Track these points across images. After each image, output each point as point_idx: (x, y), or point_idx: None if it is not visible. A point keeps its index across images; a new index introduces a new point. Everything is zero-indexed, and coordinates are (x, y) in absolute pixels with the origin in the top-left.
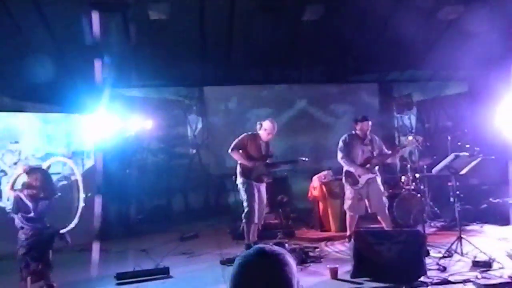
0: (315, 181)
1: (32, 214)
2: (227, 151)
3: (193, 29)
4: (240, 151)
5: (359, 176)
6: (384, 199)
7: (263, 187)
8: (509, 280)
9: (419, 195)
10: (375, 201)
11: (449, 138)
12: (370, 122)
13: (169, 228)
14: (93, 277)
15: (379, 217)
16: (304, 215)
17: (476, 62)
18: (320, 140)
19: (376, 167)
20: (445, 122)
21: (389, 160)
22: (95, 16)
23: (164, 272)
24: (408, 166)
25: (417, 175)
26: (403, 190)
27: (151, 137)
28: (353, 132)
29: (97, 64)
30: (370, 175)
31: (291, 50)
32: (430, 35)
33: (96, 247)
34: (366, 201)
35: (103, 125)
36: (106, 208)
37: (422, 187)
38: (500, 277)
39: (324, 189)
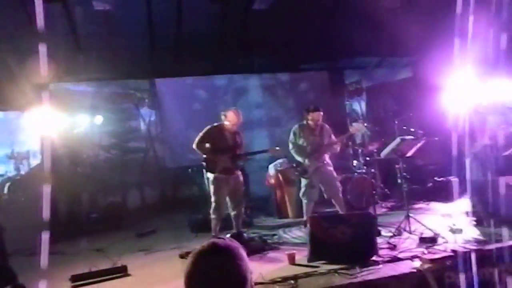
0: (271, 169)
1: None
2: (192, 146)
3: (140, 20)
4: (207, 144)
5: (308, 166)
6: (338, 184)
7: (234, 179)
8: (451, 253)
9: (370, 178)
10: (328, 187)
11: (396, 122)
12: (321, 112)
13: (125, 225)
14: (46, 281)
15: (333, 201)
16: (261, 204)
17: (420, 48)
18: (274, 128)
19: (326, 155)
20: (392, 107)
21: (338, 148)
22: (36, 7)
23: (121, 271)
24: (359, 150)
25: (368, 159)
26: (355, 174)
27: (102, 132)
28: (304, 122)
29: (40, 58)
30: (319, 164)
31: (241, 40)
32: (376, 23)
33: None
34: (320, 187)
35: (49, 121)
36: (57, 208)
37: (372, 170)
38: (444, 250)
39: (281, 177)
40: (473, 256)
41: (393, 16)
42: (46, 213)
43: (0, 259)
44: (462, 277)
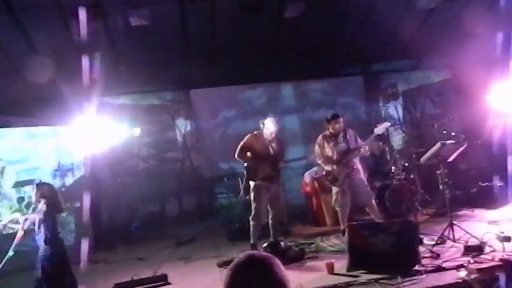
0: (307, 177)
1: None
2: (233, 155)
3: (175, 33)
4: (248, 153)
5: (338, 174)
6: (369, 190)
7: (275, 187)
8: (500, 263)
9: (409, 184)
10: (359, 194)
11: (435, 126)
12: (341, 119)
13: (164, 234)
14: None
15: (367, 209)
16: (298, 212)
17: (457, 49)
18: (311, 135)
19: (356, 161)
20: (431, 110)
21: (367, 152)
22: (76, 26)
23: (162, 279)
24: (398, 156)
25: (407, 165)
26: (394, 180)
27: (140, 143)
28: (326, 132)
29: (83, 73)
30: (348, 170)
31: (274, 48)
32: (411, 25)
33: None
34: (351, 194)
35: (91, 135)
36: (99, 218)
37: (412, 176)
38: (492, 260)
39: (316, 184)
40: None
41: (428, 17)
42: (86, 218)
43: (64, 267)
44: None
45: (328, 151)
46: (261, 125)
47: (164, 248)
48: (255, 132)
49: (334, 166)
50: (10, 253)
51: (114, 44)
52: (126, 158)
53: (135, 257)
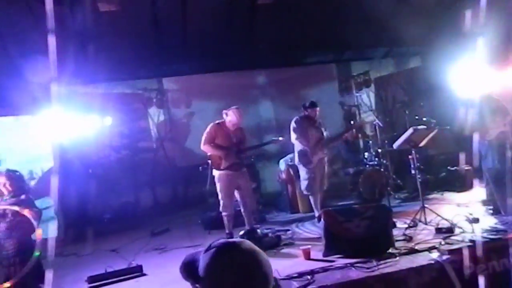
0: (282, 164)
1: None
2: (199, 146)
3: (146, 20)
4: (212, 144)
5: (312, 156)
6: (326, 178)
7: (242, 174)
8: (469, 244)
9: (382, 170)
10: (322, 180)
11: (406, 112)
12: (317, 108)
13: (139, 225)
14: (64, 283)
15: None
16: (274, 199)
17: (427, 38)
18: (286, 123)
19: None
20: (402, 97)
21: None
22: (47, 9)
23: (137, 271)
24: (370, 142)
25: (379, 151)
26: (367, 166)
27: (112, 133)
28: (303, 114)
29: (49, 61)
30: (321, 155)
31: (247, 35)
32: (383, 13)
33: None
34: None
35: (59, 125)
36: (69, 210)
37: (384, 161)
38: (462, 241)
39: (292, 172)
40: (491, 245)
41: (399, 6)
42: (54, 211)
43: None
44: (481, 267)
45: (306, 132)
46: (224, 115)
47: (138, 239)
48: (217, 122)
49: (311, 149)
50: (36, 253)
51: (82, 30)
52: (98, 149)
53: (108, 249)
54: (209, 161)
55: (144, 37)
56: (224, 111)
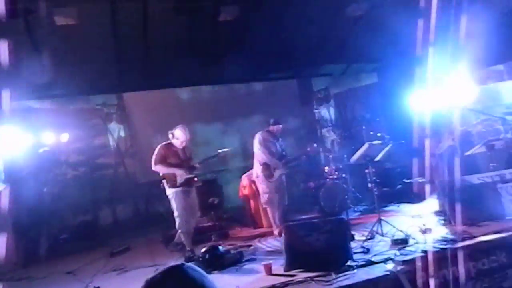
0: (245, 179)
1: None
2: (152, 168)
3: (106, 34)
4: (164, 163)
5: (274, 170)
6: (286, 193)
7: (192, 192)
8: (422, 254)
9: (342, 183)
10: (280, 194)
11: (364, 127)
12: (281, 126)
13: (97, 245)
14: None
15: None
16: (237, 215)
17: (383, 55)
18: (247, 138)
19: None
20: (360, 112)
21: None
22: None
23: None
24: (330, 156)
25: (339, 165)
26: (327, 180)
27: (69, 150)
28: (266, 130)
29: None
30: (282, 171)
31: (209, 51)
32: (341, 31)
33: None
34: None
35: (11, 141)
36: (23, 231)
37: (344, 175)
38: (415, 251)
39: (254, 186)
40: (442, 255)
41: (356, 24)
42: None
43: None
44: (433, 276)
45: (270, 146)
46: (171, 135)
47: (96, 260)
48: (164, 143)
49: (277, 163)
50: None
51: (38, 44)
52: (53, 166)
53: (64, 271)
54: (163, 180)
55: (103, 51)
56: (170, 132)
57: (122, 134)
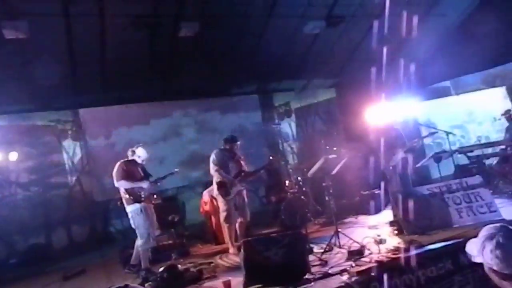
0: (206, 195)
1: None
2: (114, 184)
3: (60, 48)
4: (128, 179)
5: (231, 188)
6: (247, 210)
7: (152, 208)
8: (375, 264)
9: (302, 197)
10: (240, 210)
11: (322, 141)
12: (238, 143)
13: (50, 269)
14: None
15: (237, 225)
16: (198, 231)
17: (340, 71)
18: (207, 153)
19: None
20: (320, 127)
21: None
22: None
23: None
24: (291, 170)
25: (299, 179)
26: (288, 193)
27: (19, 169)
28: (223, 147)
29: None
30: (240, 187)
31: (169, 67)
32: (301, 48)
33: None
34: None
35: None
36: None
37: (304, 189)
38: (370, 262)
39: (215, 202)
40: (394, 264)
41: (315, 42)
42: None
43: None
44: (386, 285)
45: (225, 166)
46: (130, 153)
47: (49, 284)
48: (123, 160)
49: (232, 180)
50: None
51: None
52: (2, 186)
53: None
54: (127, 196)
55: (58, 66)
56: (131, 149)
57: (78, 151)
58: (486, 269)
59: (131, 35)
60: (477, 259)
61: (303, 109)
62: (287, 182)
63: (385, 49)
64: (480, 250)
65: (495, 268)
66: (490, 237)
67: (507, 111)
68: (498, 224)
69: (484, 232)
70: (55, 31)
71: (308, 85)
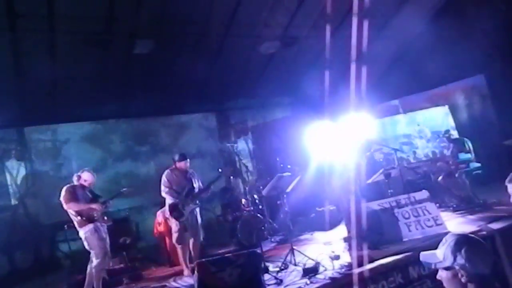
0: (160, 216)
1: None
2: (65, 208)
3: (5, 64)
4: (76, 201)
5: (184, 208)
6: (200, 229)
7: (105, 227)
8: (329, 281)
9: (258, 215)
10: (194, 231)
11: (278, 159)
12: (188, 160)
13: None
14: None
15: (191, 245)
16: (152, 253)
17: (295, 90)
18: (161, 172)
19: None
20: (277, 144)
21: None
22: None
23: None
24: (247, 188)
25: (255, 197)
26: (244, 212)
27: None
28: (174, 167)
29: None
30: (193, 206)
31: (123, 85)
32: (257, 67)
33: None
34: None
35: None
36: None
37: (261, 207)
38: (324, 278)
39: (169, 223)
40: (347, 280)
41: (270, 61)
42: None
43: None
44: None
45: (176, 186)
46: (76, 178)
47: None
48: (69, 185)
49: (182, 201)
50: None
51: None
52: None
53: None
54: (78, 218)
55: (2, 82)
56: (76, 174)
57: (23, 172)
58: (451, 273)
59: (83, 52)
60: (445, 264)
61: (260, 126)
62: (243, 200)
63: (338, 69)
64: (449, 255)
65: (463, 270)
66: (458, 243)
67: (446, 132)
68: (460, 233)
69: (450, 238)
70: (1, 45)
71: (264, 103)
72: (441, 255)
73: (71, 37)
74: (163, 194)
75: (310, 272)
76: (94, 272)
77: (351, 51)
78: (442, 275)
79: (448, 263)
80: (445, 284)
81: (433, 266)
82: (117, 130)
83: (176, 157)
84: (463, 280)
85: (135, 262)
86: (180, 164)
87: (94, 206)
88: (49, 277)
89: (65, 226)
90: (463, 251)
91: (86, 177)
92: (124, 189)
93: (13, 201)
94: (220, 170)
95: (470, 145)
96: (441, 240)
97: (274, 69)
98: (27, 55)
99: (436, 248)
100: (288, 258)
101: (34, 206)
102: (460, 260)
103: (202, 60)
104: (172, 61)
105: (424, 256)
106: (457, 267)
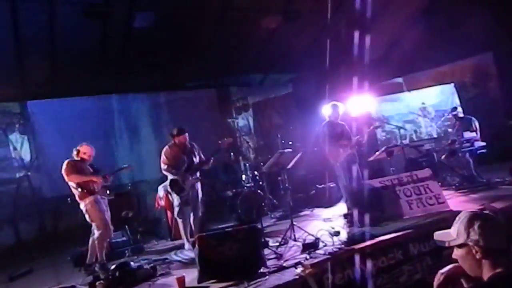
0: (161, 190)
1: None
2: (67, 180)
3: (5, 35)
4: (78, 173)
5: (184, 183)
6: (201, 205)
7: (106, 202)
8: (328, 256)
9: (259, 191)
10: (194, 205)
11: (278, 136)
12: (186, 134)
13: None
14: None
15: (192, 219)
16: (153, 227)
17: (297, 66)
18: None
19: (197, 172)
20: (277, 121)
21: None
22: None
23: None
24: (247, 165)
25: (256, 173)
26: (245, 188)
27: None
28: (172, 143)
29: None
30: (193, 180)
31: (123, 59)
32: (257, 43)
33: None
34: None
35: None
36: None
37: (261, 183)
38: (324, 254)
39: (170, 197)
40: (347, 255)
41: (271, 37)
42: None
43: None
44: (339, 277)
45: (176, 162)
46: (75, 152)
47: None
48: (70, 159)
49: (181, 176)
50: None
51: None
52: None
53: None
54: (79, 190)
55: (3, 56)
56: (75, 149)
57: (26, 145)
58: (465, 251)
59: (82, 24)
60: (459, 241)
61: (261, 103)
62: (243, 176)
63: (341, 46)
64: (462, 232)
65: (477, 247)
66: (472, 219)
67: (454, 109)
68: (475, 210)
69: (464, 215)
70: (1, 17)
71: (265, 79)
72: (455, 232)
73: (71, 8)
74: (163, 171)
75: (310, 247)
76: (97, 243)
77: (355, 26)
78: (457, 253)
79: (461, 239)
80: (460, 263)
81: (446, 244)
82: (117, 104)
83: (175, 131)
84: (477, 256)
85: (137, 235)
86: (179, 138)
87: (95, 178)
88: (53, 249)
89: (68, 199)
90: (476, 226)
91: (85, 149)
92: (125, 165)
93: (17, 174)
94: (220, 142)
95: (477, 124)
96: (442, 218)
97: (275, 44)
98: (26, 26)
99: (437, 226)
100: (288, 233)
101: (37, 179)
102: (474, 236)
103: (202, 34)
104: (171, 35)
105: (438, 235)
106: (470, 244)
